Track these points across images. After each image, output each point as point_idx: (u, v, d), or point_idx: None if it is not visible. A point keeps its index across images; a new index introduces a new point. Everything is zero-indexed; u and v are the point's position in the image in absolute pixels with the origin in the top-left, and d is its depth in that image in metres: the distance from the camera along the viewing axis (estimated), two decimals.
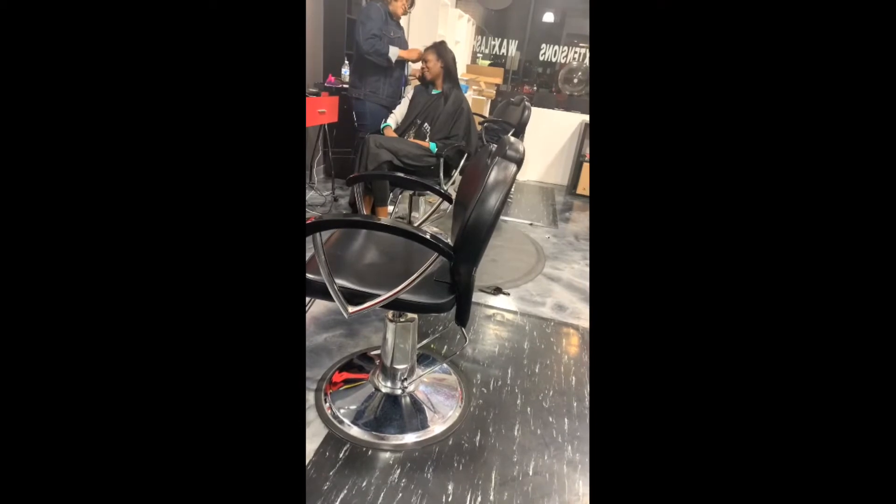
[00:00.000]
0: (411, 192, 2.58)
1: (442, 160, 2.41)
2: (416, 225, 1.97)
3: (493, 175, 1.04)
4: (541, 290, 2.32)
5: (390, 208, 2.52)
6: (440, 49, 2.51)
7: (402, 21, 2.92)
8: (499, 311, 2.06)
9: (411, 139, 2.52)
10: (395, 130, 2.60)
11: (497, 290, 2.22)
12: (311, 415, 1.35)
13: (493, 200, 1.02)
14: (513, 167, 1.07)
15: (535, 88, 5.43)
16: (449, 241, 1.18)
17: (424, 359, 1.65)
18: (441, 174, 2.42)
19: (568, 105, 4.72)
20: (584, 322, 2.07)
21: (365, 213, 2.23)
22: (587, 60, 5.24)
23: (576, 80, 4.83)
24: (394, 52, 2.64)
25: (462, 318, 1.20)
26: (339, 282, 1.11)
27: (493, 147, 1.22)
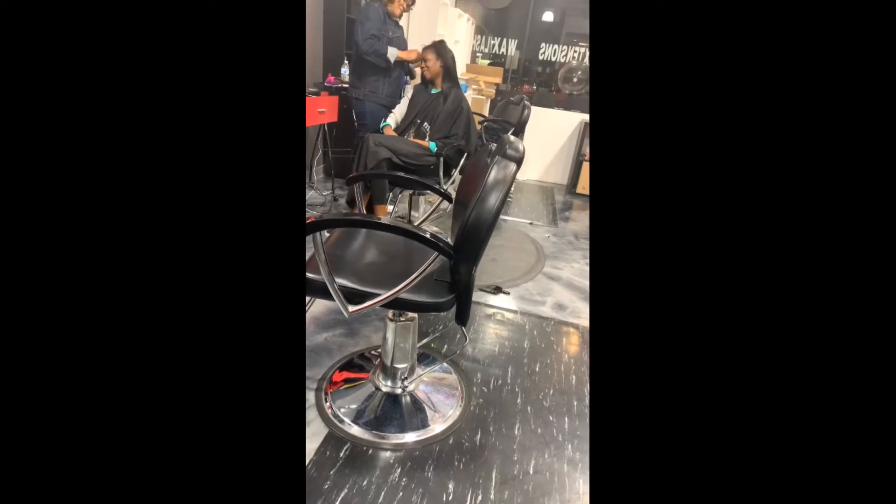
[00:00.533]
0: (411, 191, 2.58)
1: (442, 159, 2.41)
2: (415, 224, 1.98)
3: (493, 174, 1.04)
4: (541, 289, 2.32)
5: (390, 207, 2.52)
6: (439, 48, 2.51)
7: (402, 20, 2.92)
8: (499, 311, 2.06)
9: (411, 138, 2.52)
10: (395, 130, 2.60)
11: (497, 290, 2.22)
12: (311, 414, 1.35)
13: (493, 199, 1.02)
14: (512, 166, 1.07)
15: (534, 87, 5.43)
16: (449, 240, 1.18)
17: (424, 358, 1.65)
18: (441, 173, 2.42)
19: (568, 104, 4.72)
20: (584, 321, 2.07)
21: (364, 212, 2.23)
22: (586, 59, 5.24)
23: (575, 80, 4.83)
24: (392, 53, 2.64)
25: (462, 318, 1.20)
26: (339, 281, 1.11)
27: (493, 146, 1.22)
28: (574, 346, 1.89)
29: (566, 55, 5.61)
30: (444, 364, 1.64)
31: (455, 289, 1.17)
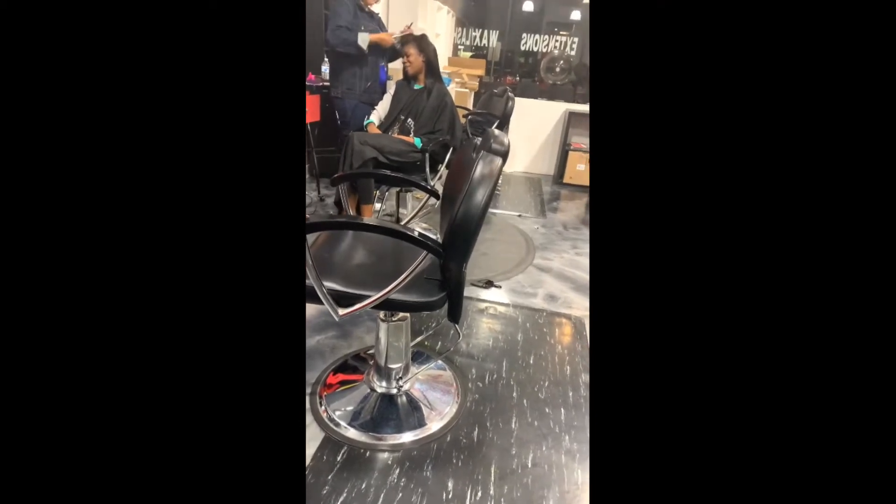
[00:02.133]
0: (398, 188, 2.56)
1: (427, 155, 2.39)
2: (403, 222, 1.96)
3: (479, 169, 1.03)
4: (532, 281, 2.32)
5: (377, 206, 2.50)
6: (421, 43, 2.48)
7: (382, 17, 2.88)
8: (491, 305, 2.06)
9: (395, 135, 2.50)
10: (379, 127, 2.58)
11: (488, 283, 2.22)
12: (307, 419, 1.34)
13: (480, 195, 1.01)
14: (498, 160, 1.06)
15: (517, 78, 5.41)
16: (438, 237, 1.17)
17: (419, 356, 1.65)
18: (427, 169, 2.40)
19: (551, 94, 4.71)
20: (577, 311, 2.08)
21: (351, 212, 2.21)
22: (568, 49, 5.24)
23: (558, 69, 4.82)
24: (363, 38, 2.57)
25: (454, 315, 1.19)
26: (328, 284, 1.09)
27: (478, 140, 1.21)
28: (567, 336, 1.89)
29: (548, 44, 5.59)
30: (439, 361, 1.63)
31: (446, 286, 1.16)
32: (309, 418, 1.34)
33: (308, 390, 1.45)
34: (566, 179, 4.23)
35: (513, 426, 1.38)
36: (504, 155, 1.07)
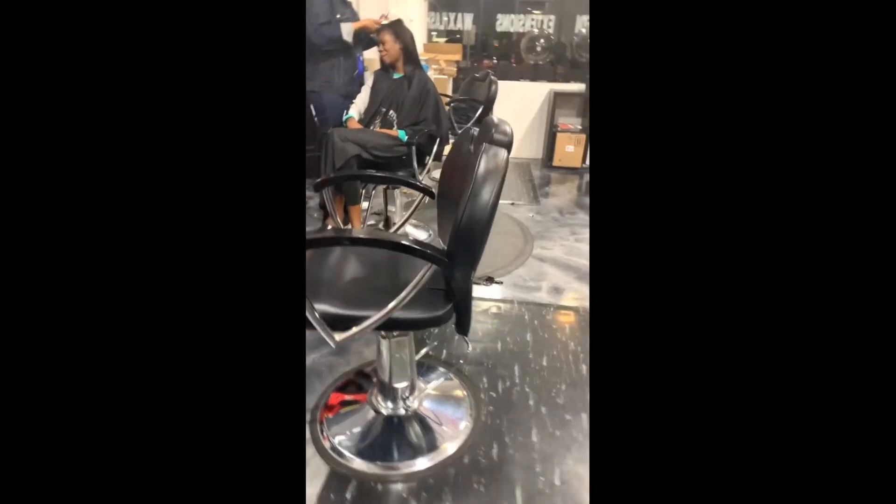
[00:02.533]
0: (385, 185, 2.42)
1: (414, 148, 2.24)
2: (397, 224, 1.83)
3: (483, 164, 0.90)
4: (533, 273, 2.21)
5: (364, 205, 2.36)
6: (397, 29, 2.32)
7: (353, 4, 2.70)
8: (494, 303, 1.94)
9: (378, 129, 2.34)
10: (360, 121, 2.42)
11: (489, 280, 2.10)
12: (308, 451, 1.21)
13: (487, 194, 0.89)
14: (503, 152, 0.93)
15: (494, 61, 5.24)
16: (431, 233, 1.05)
17: (420, 366, 1.52)
18: (414, 163, 2.25)
19: (534, 75, 4.56)
20: (583, 303, 1.97)
21: (338, 215, 2.06)
22: (545, 26, 5.10)
23: (539, 49, 4.67)
24: (346, 30, 2.42)
25: (463, 327, 1.07)
26: (320, 307, 0.96)
27: (474, 131, 1.08)
28: (578, 331, 1.79)
29: (524, 24, 5.42)
30: (448, 373, 1.51)
31: (452, 296, 1.04)
32: (311, 451, 1.21)
33: (308, 417, 1.32)
34: (556, 162, 4.10)
35: (533, 438, 1.27)
36: (509, 145, 0.95)
